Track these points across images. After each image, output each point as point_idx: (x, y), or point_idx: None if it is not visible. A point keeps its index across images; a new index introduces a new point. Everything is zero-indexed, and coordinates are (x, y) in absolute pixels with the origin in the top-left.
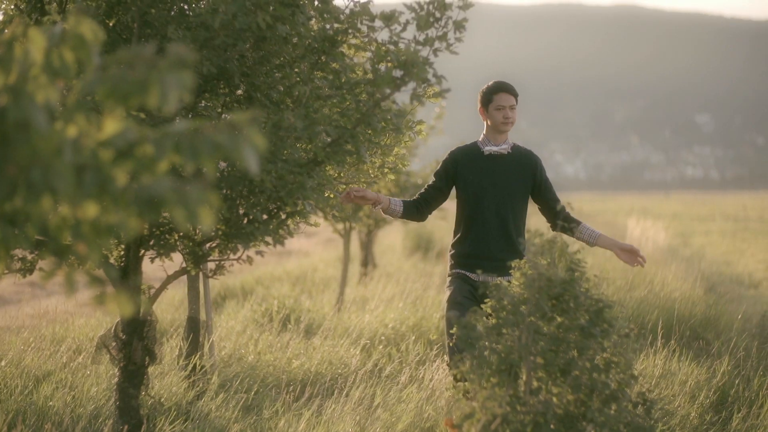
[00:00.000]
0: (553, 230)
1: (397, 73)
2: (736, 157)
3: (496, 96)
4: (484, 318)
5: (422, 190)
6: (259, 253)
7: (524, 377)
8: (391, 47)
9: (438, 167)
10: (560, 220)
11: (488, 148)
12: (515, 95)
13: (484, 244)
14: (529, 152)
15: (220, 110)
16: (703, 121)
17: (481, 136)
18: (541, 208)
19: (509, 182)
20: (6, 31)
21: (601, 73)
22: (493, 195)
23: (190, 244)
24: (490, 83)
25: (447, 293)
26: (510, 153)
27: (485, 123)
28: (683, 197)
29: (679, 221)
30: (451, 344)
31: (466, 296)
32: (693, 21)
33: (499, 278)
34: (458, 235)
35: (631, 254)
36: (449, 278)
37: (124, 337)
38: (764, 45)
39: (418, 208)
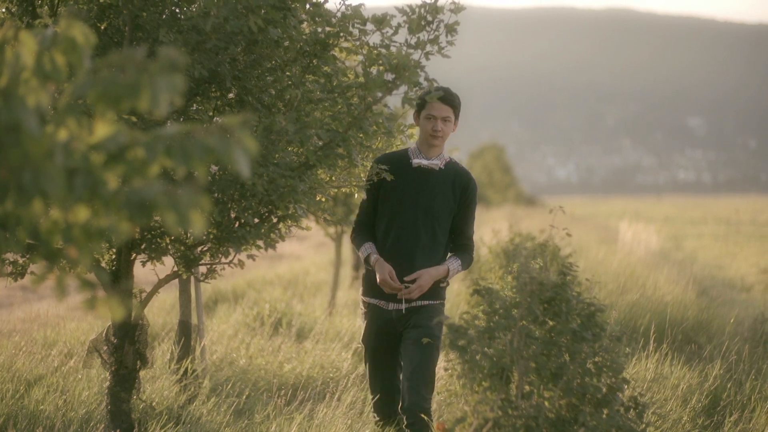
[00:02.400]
0: None
1: (389, 76)
2: (729, 160)
3: (429, 105)
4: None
5: (360, 217)
6: (250, 256)
7: (516, 381)
8: (383, 51)
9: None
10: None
11: (417, 160)
12: (453, 107)
13: (398, 268)
14: (465, 172)
15: (211, 114)
16: (695, 124)
17: (414, 144)
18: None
19: (434, 202)
20: None
21: (594, 77)
22: (413, 214)
23: (182, 247)
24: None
25: (363, 330)
26: (442, 169)
27: (419, 133)
28: (675, 200)
29: (671, 225)
30: (373, 402)
31: (383, 339)
32: (685, 24)
33: (415, 302)
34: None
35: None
36: (362, 306)
37: (115, 341)
38: (757, 49)
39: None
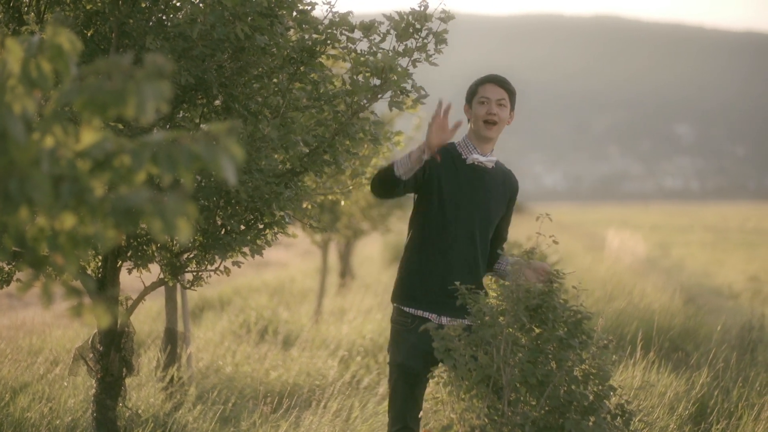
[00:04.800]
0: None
1: (375, 81)
2: (717, 167)
3: (482, 87)
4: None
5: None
6: (236, 264)
7: (503, 389)
8: (370, 57)
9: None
10: (498, 270)
11: (474, 156)
12: (508, 90)
13: (450, 276)
14: (510, 173)
15: (198, 121)
16: (683, 131)
17: (461, 139)
18: None
19: (489, 204)
20: None
21: (581, 84)
22: (468, 216)
23: (168, 255)
24: None
25: (397, 348)
26: (494, 168)
27: (469, 125)
28: (663, 208)
29: (658, 232)
30: None
31: (427, 361)
32: (673, 32)
33: (456, 320)
34: (417, 261)
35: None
36: (402, 322)
37: (101, 348)
38: (745, 56)
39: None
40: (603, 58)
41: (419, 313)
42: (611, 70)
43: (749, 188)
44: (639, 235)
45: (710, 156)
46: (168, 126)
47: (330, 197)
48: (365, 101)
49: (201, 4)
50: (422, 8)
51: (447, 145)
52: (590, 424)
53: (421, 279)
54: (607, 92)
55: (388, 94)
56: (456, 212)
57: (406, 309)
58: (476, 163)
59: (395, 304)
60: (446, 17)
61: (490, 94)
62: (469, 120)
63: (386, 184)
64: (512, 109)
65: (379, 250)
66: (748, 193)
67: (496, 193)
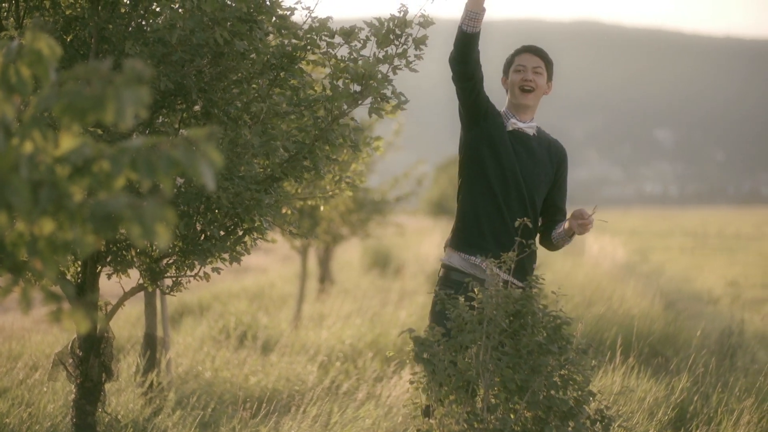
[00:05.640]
0: (543, 244)
1: (355, 87)
2: (696, 172)
3: (518, 56)
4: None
5: None
6: (215, 270)
7: (482, 394)
8: (350, 64)
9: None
10: (553, 234)
11: (513, 122)
12: (544, 58)
13: (501, 247)
14: (557, 141)
15: (177, 126)
16: (662, 136)
17: (502, 109)
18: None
19: (535, 172)
20: None
21: (560, 89)
22: (515, 186)
23: (147, 260)
24: None
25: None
26: (536, 136)
27: (507, 95)
28: (642, 213)
29: (638, 237)
30: None
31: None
32: (653, 36)
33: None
34: (473, 221)
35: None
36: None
37: (80, 353)
38: (725, 61)
39: (477, 55)
40: (582, 64)
41: (473, 260)
42: (590, 76)
43: (729, 193)
44: (618, 240)
45: (690, 161)
46: (147, 131)
47: (309, 203)
48: (345, 107)
49: (180, 10)
50: (402, 14)
51: (496, 114)
52: (570, 429)
53: (479, 231)
54: (587, 97)
55: (369, 100)
56: (502, 179)
57: (471, 258)
58: (516, 128)
59: (452, 252)
60: (425, 23)
61: (526, 62)
62: (507, 90)
63: (460, 45)
64: (550, 79)
65: (359, 255)
66: (728, 198)
67: (541, 158)
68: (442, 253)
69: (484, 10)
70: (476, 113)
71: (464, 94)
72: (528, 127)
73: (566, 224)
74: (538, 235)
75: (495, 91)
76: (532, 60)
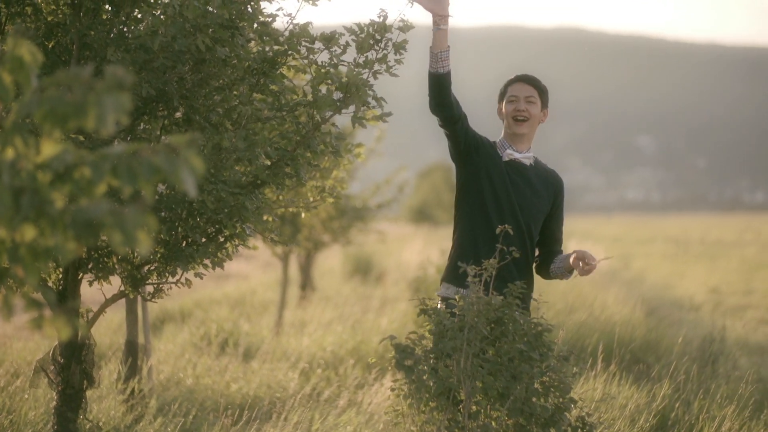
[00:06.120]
0: (539, 274)
1: (338, 95)
2: (678, 179)
3: (511, 87)
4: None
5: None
6: (198, 275)
7: (463, 401)
8: (332, 70)
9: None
10: (552, 267)
11: (509, 152)
12: (536, 87)
13: (497, 281)
14: (554, 171)
15: (158, 133)
16: (644, 143)
17: (498, 139)
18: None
19: (532, 202)
20: None
21: None
22: (511, 217)
23: (129, 267)
24: None
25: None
26: (533, 166)
27: (503, 127)
28: (624, 220)
29: (620, 244)
30: None
31: None
32: (635, 43)
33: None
34: (471, 252)
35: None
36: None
37: (62, 360)
38: (706, 68)
39: (451, 95)
40: (564, 70)
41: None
42: (572, 82)
43: (710, 200)
44: (600, 247)
45: (671, 168)
46: (129, 138)
47: (291, 210)
48: (328, 114)
49: (162, 16)
50: (381, 19)
51: (487, 145)
52: None
53: (477, 264)
54: (569, 104)
55: (351, 108)
56: (498, 211)
57: (462, 291)
58: (512, 159)
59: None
60: (405, 27)
61: (518, 92)
62: (502, 120)
63: (434, 88)
64: (545, 106)
65: (340, 262)
66: (709, 205)
67: (538, 189)
68: (426, 262)
69: (448, 47)
70: (468, 150)
71: (456, 136)
72: (525, 158)
73: (570, 261)
74: (534, 264)
75: (481, 102)
76: (524, 89)
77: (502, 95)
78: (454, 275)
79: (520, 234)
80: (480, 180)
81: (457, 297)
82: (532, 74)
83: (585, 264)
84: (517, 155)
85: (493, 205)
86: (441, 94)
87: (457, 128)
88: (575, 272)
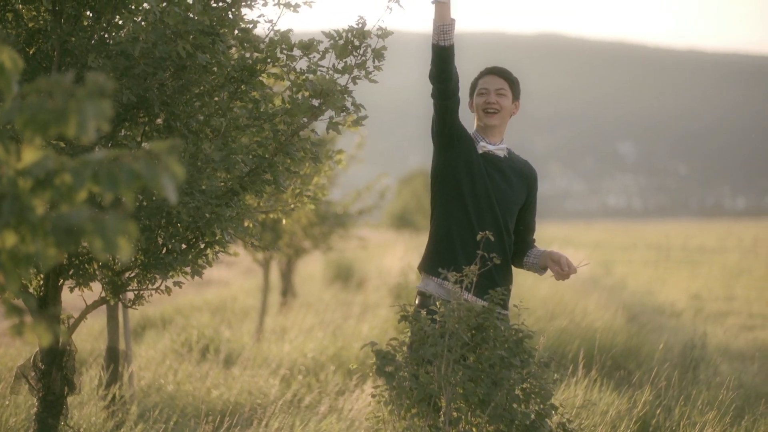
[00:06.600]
0: (512, 263)
1: (315, 101)
2: (659, 185)
3: (481, 79)
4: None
5: None
6: (177, 283)
7: (444, 408)
8: (310, 76)
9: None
10: (526, 260)
11: (483, 144)
12: (507, 79)
13: (478, 276)
14: (527, 162)
15: (139, 139)
16: (625, 150)
17: (472, 132)
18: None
19: (508, 194)
20: None
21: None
22: (489, 209)
23: (109, 273)
24: None
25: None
26: (507, 157)
27: (476, 118)
28: (606, 226)
29: (601, 250)
30: None
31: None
32: (616, 50)
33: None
34: (447, 247)
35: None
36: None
37: (43, 366)
38: (686, 74)
39: (453, 69)
40: (546, 77)
41: (446, 284)
42: (554, 89)
43: (691, 206)
44: (582, 254)
45: (652, 174)
46: (109, 144)
47: (271, 216)
48: (305, 120)
49: (143, 23)
50: (360, 25)
51: (469, 138)
52: None
53: (453, 255)
54: (550, 111)
55: (329, 113)
56: (476, 203)
57: (437, 280)
58: (486, 151)
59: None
60: (384, 34)
61: (488, 85)
62: (474, 113)
63: (437, 60)
64: (516, 98)
65: (321, 268)
66: (690, 211)
67: (513, 180)
68: (407, 268)
69: (453, 20)
70: (452, 134)
71: (445, 112)
72: (498, 150)
73: (546, 261)
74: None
75: (462, 110)
76: (495, 82)
77: (473, 88)
78: (431, 265)
79: (497, 226)
80: (458, 170)
81: (438, 303)
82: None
83: (561, 270)
84: (490, 147)
85: (470, 197)
86: (442, 65)
87: (448, 103)
88: (549, 272)
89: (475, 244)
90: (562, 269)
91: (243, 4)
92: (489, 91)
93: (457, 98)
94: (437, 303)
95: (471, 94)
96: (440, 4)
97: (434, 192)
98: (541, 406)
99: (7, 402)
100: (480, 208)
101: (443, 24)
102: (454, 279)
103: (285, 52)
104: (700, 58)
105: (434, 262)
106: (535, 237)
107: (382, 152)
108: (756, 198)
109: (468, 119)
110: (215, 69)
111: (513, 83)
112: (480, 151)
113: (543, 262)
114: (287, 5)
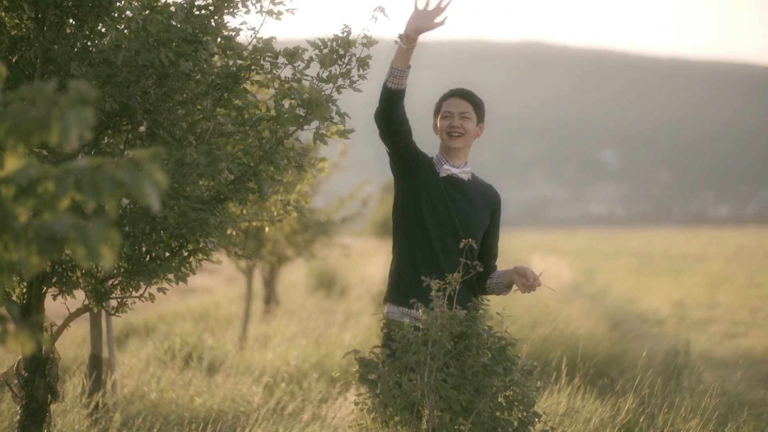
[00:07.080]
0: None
1: (301, 111)
2: (642, 193)
3: (445, 102)
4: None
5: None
6: (161, 290)
7: (427, 416)
8: (295, 84)
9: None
10: (489, 282)
11: (446, 167)
12: (472, 102)
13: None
14: (491, 186)
15: (122, 147)
16: (608, 157)
17: (435, 155)
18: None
19: (471, 217)
20: None
21: (506, 110)
22: (452, 233)
23: (93, 281)
24: None
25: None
26: (471, 181)
27: (440, 141)
28: (588, 234)
29: (583, 258)
30: None
31: None
32: (599, 57)
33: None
34: (411, 271)
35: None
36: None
37: (26, 374)
38: (669, 82)
39: (402, 111)
40: (528, 84)
41: (412, 313)
42: (537, 96)
43: (674, 214)
44: (564, 261)
45: (635, 182)
46: (92, 152)
47: (255, 224)
48: (291, 129)
49: (126, 30)
50: (345, 34)
51: (427, 163)
52: None
53: (417, 283)
54: (533, 118)
55: (315, 123)
56: (439, 227)
57: (403, 309)
58: (449, 174)
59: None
60: (368, 42)
61: (452, 108)
62: (438, 135)
63: (384, 101)
64: (480, 120)
65: (304, 276)
66: (673, 219)
67: (477, 204)
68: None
69: (409, 67)
70: (407, 166)
71: (392, 149)
72: (462, 173)
73: (510, 278)
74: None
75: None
76: (459, 104)
77: (437, 110)
78: (395, 295)
79: (460, 250)
80: (419, 197)
81: (420, 311)
82: (467, 87)
83: (526, 281)
84: (454, 170)
85: (432, 221)
86: (389, 107)
87: (395, 141)
88: (514, 287)
89: (438, 269)
90: (528, 281)
91: (225, 11)
92: (453, 114)
93: (403, 131)
94: (420, 311)
95: (435, 116)
96: (408, 50)
97: (396, 221)
98: (524, 413)
99: None
100: (443, 233)
101: (399, 69)
102: (438, 290)
103: (269, 59)
104: (682, 66)
105: (398, 293)
106: (497, 264)
107: (365, 160)
108: (739, 206)
109: (430, 141)
110: (198, 77)
111: (477, 105)
112: (443, 174)
113: (507, 280)
114: (269, 13)
